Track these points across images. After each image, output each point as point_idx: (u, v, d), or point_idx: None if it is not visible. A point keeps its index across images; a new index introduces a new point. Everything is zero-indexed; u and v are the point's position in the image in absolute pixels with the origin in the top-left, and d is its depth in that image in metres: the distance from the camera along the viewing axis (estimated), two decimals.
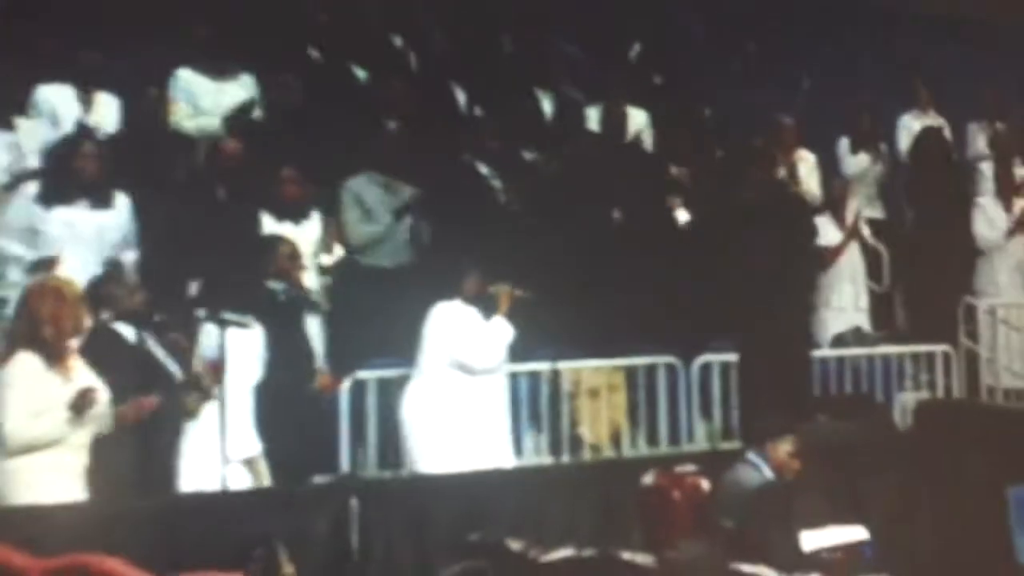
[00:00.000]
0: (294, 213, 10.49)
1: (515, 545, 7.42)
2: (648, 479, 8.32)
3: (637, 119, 12.75)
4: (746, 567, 7.02)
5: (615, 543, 7.68)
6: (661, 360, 11.22)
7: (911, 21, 15.48)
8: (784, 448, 8.75)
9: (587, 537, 8.05)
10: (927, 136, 13.28)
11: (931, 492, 9.77)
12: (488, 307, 9.93)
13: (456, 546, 7.72)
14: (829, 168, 13.32)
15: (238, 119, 11.39)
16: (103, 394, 8.06)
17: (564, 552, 7.29)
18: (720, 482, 8.41)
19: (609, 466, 10.07)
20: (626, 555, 7.07)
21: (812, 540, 8.18)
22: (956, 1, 15.95)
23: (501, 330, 9.86)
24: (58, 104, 11.15)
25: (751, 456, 8.77)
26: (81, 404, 7.75)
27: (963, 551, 9.02)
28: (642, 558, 7.29)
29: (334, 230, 11.00)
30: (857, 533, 8.36)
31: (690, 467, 8.66)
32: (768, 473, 8.68)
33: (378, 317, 10.46)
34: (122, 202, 10.18)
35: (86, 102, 11.27)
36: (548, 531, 8.20)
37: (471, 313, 9.84)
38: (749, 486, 8.47)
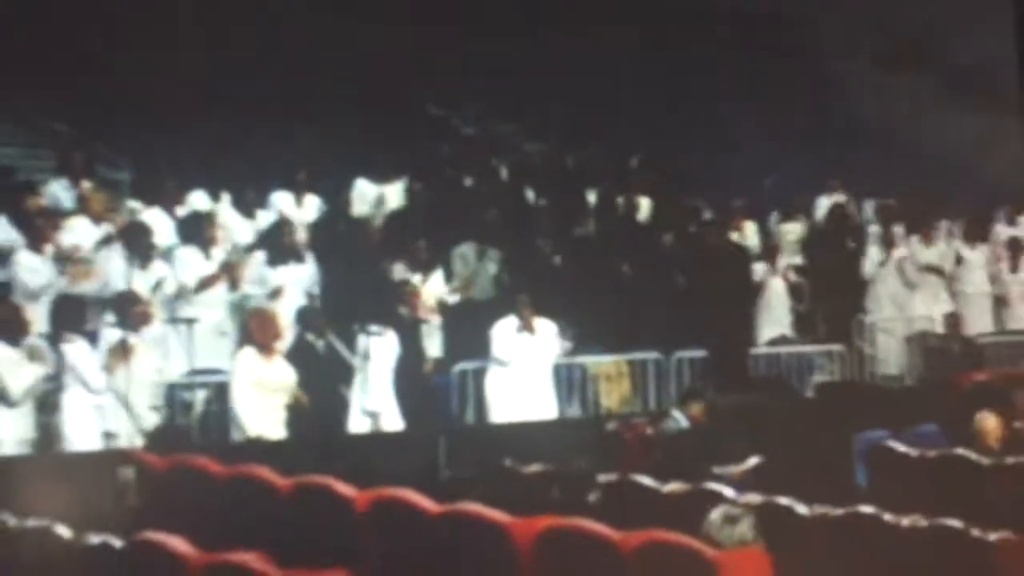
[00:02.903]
0: (424, 268, 10.86)
1: (507, 462, 7.46)
2: (611, 425, 9.12)
3: (644, 204, 12.77)
4: (643, 479, 7.14)
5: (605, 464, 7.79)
6: (651, 356, 11.31)
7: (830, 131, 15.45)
8: (696, 407, 9.00)
9: (592, 460, 8.00)
10: (835, 210, 13.44)
11: (818, 439, 9.76)
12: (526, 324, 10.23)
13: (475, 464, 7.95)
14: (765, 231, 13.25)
15: (392, 211, 11.78)
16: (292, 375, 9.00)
17: (536, 467, 7.23)
18: (654, 429, 8.97)
19: (609, 418, 10.29)
20: (575, 467, 7.18)
21: (727, 468, 8.43)
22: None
23: (528, 339, 10.27)
24: (280, 202, 11.59)
25: (674, 412, 9.07)
26: None
27: (831, 476, 8.97)
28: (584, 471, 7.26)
29: (461, 282, 11.24)
30: (753, 462, 8.61)
31: (642, 419, 9.45)
32: (684, 424, 8.92)
33: (474, 329, 10.67)
34: (316, 262, 10.66)
35: (299, 201, 11.68)
36: (566, 456, 7.94)
37: (515, 327, 10.25)
38: (670, 432, 8.87)
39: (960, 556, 6.45)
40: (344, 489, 6.40)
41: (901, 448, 8.60)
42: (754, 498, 7.01)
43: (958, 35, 18.17)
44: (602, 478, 7.27)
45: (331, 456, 8.15)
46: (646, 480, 7.29)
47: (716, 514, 5.84)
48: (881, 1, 17.61)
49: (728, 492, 7.03)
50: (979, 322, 13.22)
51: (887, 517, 6.68)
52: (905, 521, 6.64)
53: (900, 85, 16.58)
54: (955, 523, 6.56)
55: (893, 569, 6.53)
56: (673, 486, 7.17)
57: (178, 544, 5.22)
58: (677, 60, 14.90)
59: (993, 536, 6.42)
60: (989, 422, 8.65)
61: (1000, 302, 13.50)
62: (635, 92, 14.68)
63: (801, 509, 6.85)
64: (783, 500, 6.92)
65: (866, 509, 6.76)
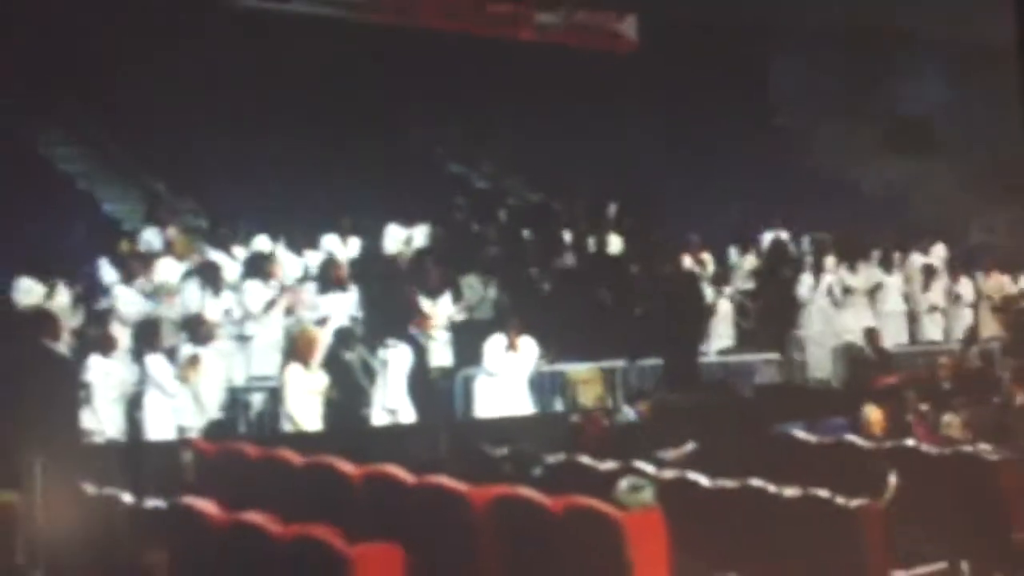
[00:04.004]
0: (436, 293, 11.20)
1: (484, 446, 7.81)
2: (574, 417, 9.37)
3: (615, 240, 13.10)
4: (585, 459, 7.35)
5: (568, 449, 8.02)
6: (619, 364, 11.54)
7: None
8: (643, 404, 9.24)
9: (559, 446, 8.19)
10: (775, 244, 13.70)
11: (749, 430, 9.56)
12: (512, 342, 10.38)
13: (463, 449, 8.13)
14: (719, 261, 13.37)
15: (418, 249, 12.15)
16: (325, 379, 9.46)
17: (503, 449, 7.60)
18: (609, 421, 9.15)
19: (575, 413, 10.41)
20: (526, 449, 7.57)
21: (667, 453, 8.47)
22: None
23: (513, 354, 10.46)
24: (331, 244, 12.01)
25: (625, 408, 9.37)
26: None
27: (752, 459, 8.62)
28: (551, 456, 7.65)
29: (457, 302, 11.41)
30: (689, 447, 8.63)
31: (599, 413, 9.61)
32: (633, 417, 9.13)
33: (477, 341, 10.86)
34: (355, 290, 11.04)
35: (344, 242, 12.07)
36: (545, 442, 8.33)
37: (503, 344, 10.43)
38: (621, 423, 9.10)
39: (826, 519, 6.73)
40: (345, 466, 6.98)
41: (800, 435, 8.85)
42: (668, 473, 7.27)
43: (896, 89, 18.60)
44: (552, 458, 7.62)
45: (355, 443, 8.60)
46: (587, 459, 7.60)
47: (624, 483, 6.22)
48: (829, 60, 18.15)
49: (650, 469, 7.24)
50: (896, 335, 13.51)
51: (771, 488, 6.93)
52: (786, 492, 6.89)
53: (838, 136, 16.97)
54: (823, 493, 6.83)
55: (773, 529, 6.81)
56: (608, 464, 7.43)
57: (207, 506, 5.80)
58: (648, 125, 15.34)
59: (854, 503, 6.73)
60: (873, 414, 8.97)
61: (913, 318, 13.79)
62: (613, 151, 15.07)
63: (704, 482, 7.07)
64: (691, 475, 7.16)
65: (755, 482, 6.97)
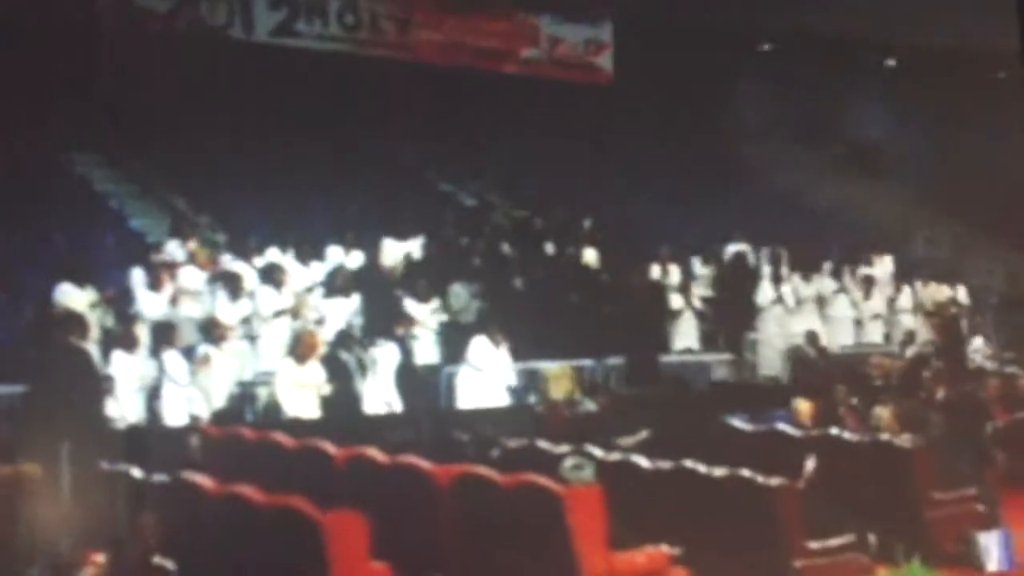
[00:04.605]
0: (425, 298, 11.39)
1: (455, 433, 8.24)
2: (540, 408, 9.73)
3: (589, 253, 13.27)
4: (543, 443, 7.70)
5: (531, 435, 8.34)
6: (587, 362, 11.64)
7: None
8: (603, 397, 9.69)
9: (534, 434, 8.48)
10: (736, 256, 13.86)
11: (701, 421, 9.66)
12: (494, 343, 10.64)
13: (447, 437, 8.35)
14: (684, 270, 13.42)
15: (410, 260, 12.41)
16: (322, 373, 9.74)
17: (464, 435, 8.06)
18: (570, 411, 9.55)
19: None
20: (489, 434, 7.97)
21: (623, 440, 8.67)
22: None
23: (494, 353, 10.59)
24: (334, 255, 12.08)
25: (586, 400, 9.71)
26: None
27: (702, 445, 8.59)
28: (514, 441, 8.08)
29: (445, 307, 11.66)
30: (643, 435, 8.81)
31: (562, 404, 10.00)
32: (592, 407, 9.54)
33: (462, 342, 11.02)
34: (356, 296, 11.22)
35: (347, 253, 12.15)
36: (516, 430, 8.55)
37: (486, 344, 10.62)
38: (580, 413, 9.49)
39: (749, 496, 7.08)
40: (329, 447, 7.39)
41: (739, 424, 9.13)
42: (613, 456, 7.63)
43: (848, 119, 18.92)
44: (514, 443, 7.99)
45: (346, 429, 8.74)
46: (544, 444, 7.96)
47: (568, 462, 6.63)
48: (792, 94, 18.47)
49: (598, 452, 7.56)
50: (843, 338, 13.76)
51: (702, 469, 7.28)
52: (715, 472, 7.23)
53: (796, 159, 17.30)
54: (747, 473, 7.17)
55: (703, 505, 7.13)
56: (562, 448, 7.72)
57: (204, 480, 6.20)
58: (621, 149, 15.68)
59: (773, 482, 7.05)
60: (802, 406, 9.09)
61: (859, 323, 14.02)
62: (589, 171, 15.32)
63: (644, 463, 7.40)
64: (633, 457, 7.53)
65: (688, 463, 7.32)
